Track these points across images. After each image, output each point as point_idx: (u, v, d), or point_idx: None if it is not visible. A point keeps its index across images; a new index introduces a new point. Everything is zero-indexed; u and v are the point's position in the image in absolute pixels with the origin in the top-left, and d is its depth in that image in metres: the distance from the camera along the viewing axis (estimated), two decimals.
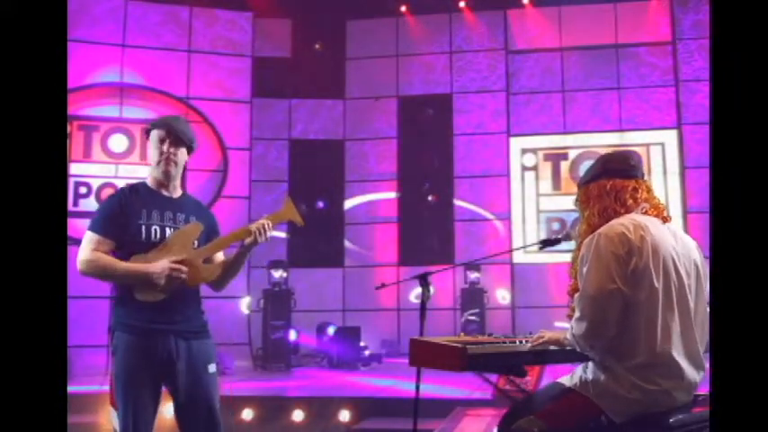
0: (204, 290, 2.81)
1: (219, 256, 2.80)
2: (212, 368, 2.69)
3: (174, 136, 2.73)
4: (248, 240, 2.66)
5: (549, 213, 10.30)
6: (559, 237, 2.76)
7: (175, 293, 2.60)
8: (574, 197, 2.55)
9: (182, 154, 2.76)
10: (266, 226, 2.64)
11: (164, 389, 2.65)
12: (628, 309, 2.18)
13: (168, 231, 2.66)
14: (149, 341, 2.58)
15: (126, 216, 2.63)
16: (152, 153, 2.74)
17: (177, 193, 2.80)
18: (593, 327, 2.17)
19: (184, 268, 2.56)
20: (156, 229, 2.65)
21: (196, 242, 2.69)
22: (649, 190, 2.42)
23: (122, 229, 2.62)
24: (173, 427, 2.68)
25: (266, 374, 8.33)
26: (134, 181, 2.95)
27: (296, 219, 2.76)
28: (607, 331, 2.18)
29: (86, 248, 2.60)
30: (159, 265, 2.55)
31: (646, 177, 2.47)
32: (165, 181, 2.75)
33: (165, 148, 2.71)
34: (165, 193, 2.75)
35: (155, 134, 2.74)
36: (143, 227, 2.64)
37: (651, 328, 2.18)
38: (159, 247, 2.62)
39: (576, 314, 2.22)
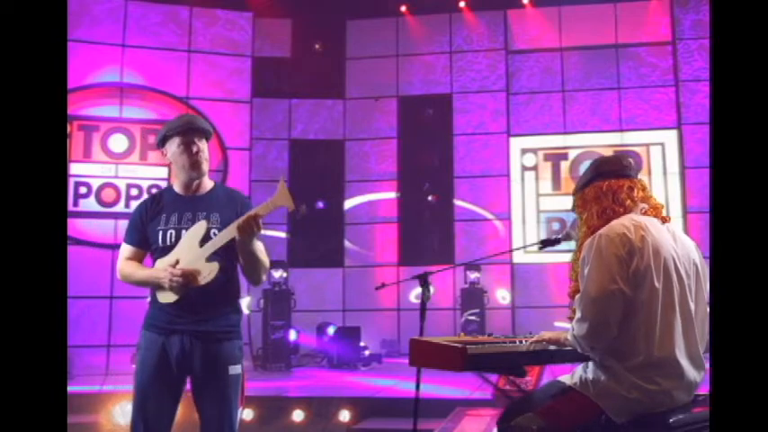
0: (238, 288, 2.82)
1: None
2: (234, 369, 2.67)
3: (200, 135, 2.76)
4: (237, 237, 2.64)
5: (549, 213, 10.30)
6: (559, 237, 2.76)
7: (197, 294, 2.61)
8: (571, 203, 2.55)
9: (207, 148, 2.81)
10: (251, 222, 2.57)
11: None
12: (629, 309, 2.18)
13: (183, 233, 2.68)
14: (167, 340, 2.63)
15: (145, 224, 2.74)
16: (179, 159, 2.73)
17: (205, 188, 2.80)
18: (594, 328, 2.17)
19: (176, 271, 2.57)
20: (171, 233, 2.69)
21: (213, 236, 2.66)
22: (645, 188, 2.43)
23: (144, 236, 2.75)
24: (178, 426, 2.68)
25: (266, 374, 8.33)
26: (138, 182, 2.99)
27: (288, 204, 2.64)
28: (609, 332, 2.18)
29: (119, 258, 2.80)
30: (162, 272, 2.61)
31: (640, 177, 2.48)
32: (197, 179, 2.77)
33: (194, 149, 2.73)
34: (188, 193, 2.77)
35: (179, 141, 2.72)
36: (159, 232, 2.70)
37: (652, 329, 2.18)
38: (173, 250, 2.65)
39: (578, 315, 2.22)
